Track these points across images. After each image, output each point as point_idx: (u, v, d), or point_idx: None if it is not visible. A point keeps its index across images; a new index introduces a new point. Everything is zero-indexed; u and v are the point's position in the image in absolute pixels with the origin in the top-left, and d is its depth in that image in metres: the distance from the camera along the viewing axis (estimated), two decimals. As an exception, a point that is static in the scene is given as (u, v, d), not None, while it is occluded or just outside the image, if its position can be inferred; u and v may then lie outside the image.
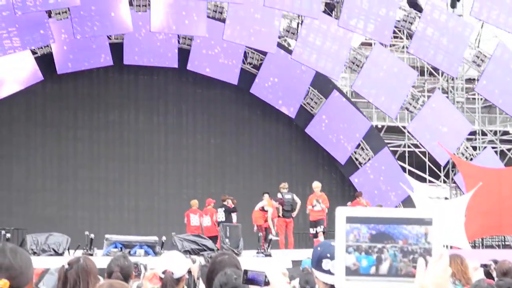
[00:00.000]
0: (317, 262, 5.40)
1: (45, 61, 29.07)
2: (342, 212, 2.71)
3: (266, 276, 4.16)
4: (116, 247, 19.81)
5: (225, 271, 5.34)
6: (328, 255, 5.36)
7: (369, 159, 31.51)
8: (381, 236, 2.66)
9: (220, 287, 5.21)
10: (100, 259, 14.07)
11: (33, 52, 28.50)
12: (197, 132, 31.85)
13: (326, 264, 5.33)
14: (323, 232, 23.75)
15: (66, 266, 5.87)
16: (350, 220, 2.70)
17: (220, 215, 24.43)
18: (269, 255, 20.89)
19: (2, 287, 3.52)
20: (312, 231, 24.29)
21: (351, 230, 2.69)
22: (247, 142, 32.18)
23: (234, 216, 24.55)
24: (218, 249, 20.41)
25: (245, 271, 4.17)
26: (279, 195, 24.64)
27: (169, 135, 31.58)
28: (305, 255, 17.56)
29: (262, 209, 24.31)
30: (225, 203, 24.81)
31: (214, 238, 22.81)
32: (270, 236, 22.66)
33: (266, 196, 24.58)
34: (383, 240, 2.66)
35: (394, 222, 2.67)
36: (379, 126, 33.66)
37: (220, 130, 31.86)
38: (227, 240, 21.13)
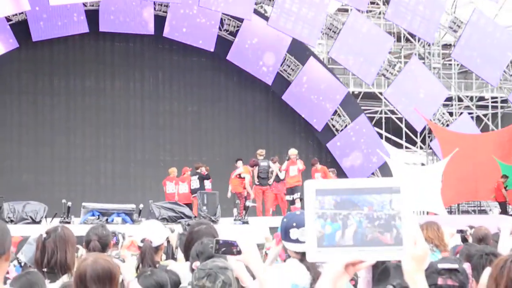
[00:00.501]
0: (285, 233, 5.47)
1: (20, 28, 28.85)
2: (311, 185, 2.72)
3: (237, 245, 4.20)
4: (93, 215, 19.82)
5: (202, 240, 5.40)
6: (294, 224, 5.43)
7: (346, 125, 31.63)
8: (346, 203, 2.67)
9: (196, 256, 5.27)
10: (78, 227, 14.11)
11: (8, 19, 28.28)
12: (174, 99, 31.81)
13: (293, 233, 5.40)
14: (300, 199, 23.87)
15: (44, 235, 5.92)
16: (320, 192, 2.71)
17: (194, 183, 24.51)
18: (247, 222, 21.00)
19: None
20: (288, 198, 24.43)
21: (317, 200, 2.69)
22: (224, 109, 32.19)
23: (208, 183, 24.63)
24: (195, 217, 20.48)
25: (217, 241, 4.21)
26: (253, 159, 24.69)
27: (145, 102, 31.53)
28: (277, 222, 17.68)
29: (239, 176, 24.36)
30: (198, 170, 24.89)
31: (189, 206, 22.88)
32: (247, 203, 22.76)
33: (240, 162, 24.61)
34: (348, 207, 2.67)
35: (363, 192, 2.69)
36: (356, 93, 33.77)
37: (197, 97, 31.83)
38: (204, 207, 21.19)
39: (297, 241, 5.39)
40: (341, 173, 31.70)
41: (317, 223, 2.67)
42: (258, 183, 24.45)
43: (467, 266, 3.54)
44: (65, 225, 6.25)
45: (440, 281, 3.45)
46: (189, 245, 6.15)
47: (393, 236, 2.64)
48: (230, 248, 4.20)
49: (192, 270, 5.23)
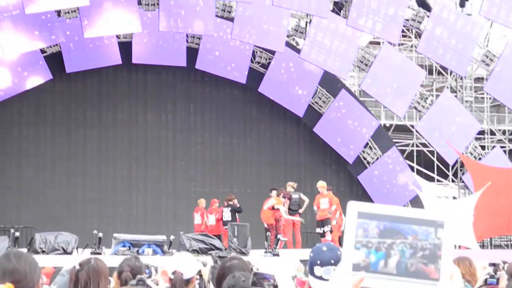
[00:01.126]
0: (310, 268, 5.48)
1: (54, 60, 29.20)
2: (353, 207, 2.72)
3: (274, 280, 4.21)
4: (124, 246, 19.89)
5: (234, 274, 5.42)
6: (318, 262, 5.42)
7: (377, 158, 31.55)
8: (390, 231, 2.68)
9: None
10: (109, 258, 14.15)
11: (42, 51, 28.63)
12: (205, 131, 31.95)
13: (317, 270, 5.40)
14: (330, 231, 23.81)
15: (77, 267, 5.96)
16: (361, 215, 2.72)
17: (226, 214, 24.59)
18: (277, 255, 20.96)
19: None
20: (319, 230, 24.35)
21: (360, 225, 2.70)
22: (255, 141, 32.26)
23: (237, 215, 24.77)
24: (226, 249, 20.49)
25: (254, 273, 4.22)
26: (287, 190, 24.70)
27: (177, 134, 31.69)
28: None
29: (272, 208, 24.37)
30: (231, 202, 24.97)
31: (217, 237, 22.93)
32: (278, 236, 22.74)
33: (274, 192, 24.64)
34: (392, 236, 2.68)
35: (406, 221, 2.69)
36: (387, 125, 33.70)
37: (229, 129, 31.96)
38: (235, 239, 21.21)
39: (320, 278, 5.41)
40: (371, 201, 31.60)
41: (361, 252, 2.68)
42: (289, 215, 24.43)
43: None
44: (98, 257, 6.28)
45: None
46: (220, 280, 6.15)
47: (437, 268, 2.64)
48: (266, 281, 4.20)
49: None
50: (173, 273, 7.11)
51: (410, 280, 2.65)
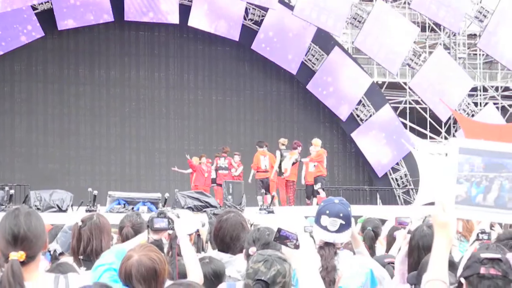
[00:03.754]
0: (317, 216, 5.48)
1: (46, 16, 28.96)
2: (455, 143, 2.78)
3: (297, 239, 4.21)
4: (119, 203, 19.87)
5: (258, 227, 5.43)
6: (327, 211, 5.42)
7: (370, 115, 31.55)
8: (495, 165, 2.72)
9: (253, 242, 5.30)
10: (104, 216, 14.20)
11: (34, 8, 28.40)
12: (198, 89, 31.88)
13: (324, 220, 5.40)
14: (323, 189, 23.78)
15: (80, 223, 5.97)
16: (464, 151, 2.76)
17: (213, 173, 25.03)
18: (272, 212, 21.01)
19: (19, 259, 3.63)
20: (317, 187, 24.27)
21: (466, 161, 2.75)
22: (248, 98, 32.23)
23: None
24: (220, 206, 20.52)
25: (278, 229, 4.24)
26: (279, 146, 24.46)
27: (170, 91, 31.62)
28: (305, 212, 17.69)
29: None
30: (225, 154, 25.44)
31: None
32: (273, 193, 22.75)
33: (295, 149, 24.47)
34: (496, 170, 2.72)
35: (508, 156, 2.73)
36: (380, 82, 33.64)
37: (222, 86, 31.90)
38: (229, 197, 21.24)
39: (325, 228, 5.40)
40: (365, 162, 31.72)
41: (464, 186, 2.74)
42: (281, 173, 24.27)
43: (510, 256, 3.54)
44: (101, 214, 6.29)
45: (482, 270, 3.46)
46: (218, 233, 6.21)
47: None
48: (289, 240, 4.23)
49: (248, 255, 5.25)
50: (171, 228, 7.11)
51: (509, 212, 2.73)
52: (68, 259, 6.01)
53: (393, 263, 7.03)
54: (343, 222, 5.41)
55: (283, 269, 4.13)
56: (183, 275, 5.37)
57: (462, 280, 3.50)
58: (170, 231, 5.72)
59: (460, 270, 3.55)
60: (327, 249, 5.37)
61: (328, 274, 5.27)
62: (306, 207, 22.40)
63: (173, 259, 5.45)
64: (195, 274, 5.32)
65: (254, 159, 24.30)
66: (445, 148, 32.78)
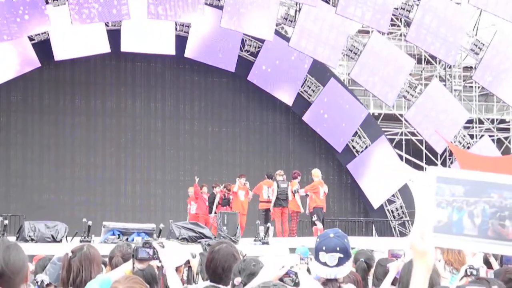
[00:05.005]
0: (315, 253, 5.50)
1: (43, 47, 29.05)
2: (433, 172, 2.80)
3: (297, 276, 4.25)
4: (113, 234, 19.89)
5: (244, 258, 5.42)
6: (324, 247, 5.44)
7: (366, 147, 31.60)
8: (476, 192, 2.74)
9: (238, 272, 5.30)
10: (98, 246, 14.18)
11: (30, 39, 28.48)
12: (194, 119, 31.93)
13: (322, 256, 5.43)
14: (320, 221, 23.79)
15: (70, 254, 5.97)
16: (441, 180, 2.79)
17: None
18: (267, 243, 20.99)
19: None
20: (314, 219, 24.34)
21: (445, 187, 2.77)
22: (244, 129, 32.29)
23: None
24: (215, 237, 20.49)
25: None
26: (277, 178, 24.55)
27: (166, 122, 31.67)
28: (301, 243, 17.67)
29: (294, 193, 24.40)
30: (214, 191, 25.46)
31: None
32: (268, 224, 22.75)
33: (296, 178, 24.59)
34: (478, 195, 2.75)
35: (492, 186, 2.75)
36: (376, 114, 33.72)
37: (218, 117, 31.97)
38: (224, 227, 21.22)
39: (325, 264, 5.43)
40: (360, 193, 31.70)
41: (445, 211, 2.76)
42: (278, 205, 24.39)
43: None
44: (91, 245, 6.29)
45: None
46: (210, 264, 6.15)
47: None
48: (288, 276, 4.28)
49: (233, 285, 5.26)
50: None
51: (489, 241, 2.74)
52: (57, 291, 6.01)
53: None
54: (342, 255, 5.43)
55: None
56: None
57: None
58: (158, 262, 5.72)
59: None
60: (330, 285, 5.41)
61: None
62: (302, 238, 22.36)
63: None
64: None
65: (257, 188, 24.55)
66: (422, 176, 32.81)
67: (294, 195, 24.19)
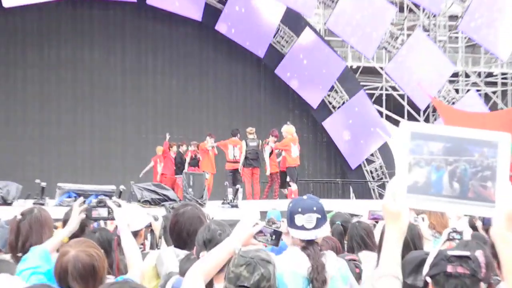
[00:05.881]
0: (290, 219, 5.50)
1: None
2: (406, 127, 2.76)
3: (275, 234, 4.30)
4: (69, 196, 19.70)
5: (209, 226, 5.33)
6: (300, 209, 5.48)
7: (343, 102, 31.60)
8: (456, 150, 2.71)
9: (203, 243, 5.22)
10: (53, 209, 14.07)
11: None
12: (158, 73, 31.74)
13: (298, 219, 5.43)
14: (294, 181, 23.86)
15: (19, 217, 5.90)
16: (416, 136, 2.75)
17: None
18: (236, 206, 20.96)
19: None
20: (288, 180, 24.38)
21: (423, 144, 2.74)
22: (212, 84, 32.16)
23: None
24: (180, 200, 20.45)
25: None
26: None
27: (127, 75, 31.46)
28: (272, 206, 17.71)
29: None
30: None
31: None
32: (237, 186, 22.73)
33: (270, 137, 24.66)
34: (458, 153, 2.72)
35: (473, 142, 2.73)
36: (355, 67, 33.70)
37: (183, 70, 31.78)
38: (190, 189, 21.13)
39: (302, 227, 5.43)
40: (337, 153, 31.77)
41: (423, 170, 2.73)
42: (248, 165, 24.40)
43: (479, 254, 3.55)
44: (42, 207, 6.22)
45: (449, 268, 3.46)
46: (174, 227, 6.14)
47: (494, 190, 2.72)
48: (263, 234, 4.37)
49: (199, 258, 5.17)
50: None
51: (469, 203, 2.73)
52: (5, 256, 5.94)
53: (355, 260, 7.06)
54: (319, 216, 5.49)
55: (267, 272, 4.04)
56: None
57: (428, 279, 3.50)
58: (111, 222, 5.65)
59: (426, 269, 3.55)
60: (312, 248, 5.47)
61: (319, 274, 5.37)
62: (273, 201, 22.40)
63: (113, 252, 5.40)
64: (135, 269, 5.28)
65: (222, 145, 24.63)
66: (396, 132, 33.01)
67: (270, 156, 24.27)
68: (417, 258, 3.96)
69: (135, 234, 7.03)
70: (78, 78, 30.94)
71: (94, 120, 30.99)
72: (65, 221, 6.84)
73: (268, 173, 24.40)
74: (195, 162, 25.24)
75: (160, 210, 17.50)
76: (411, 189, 2.81)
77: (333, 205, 16.25)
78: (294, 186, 23.70)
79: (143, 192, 20.20)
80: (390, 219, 3.07)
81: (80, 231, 6.04)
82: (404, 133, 2.79)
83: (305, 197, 5.64)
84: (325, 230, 5.57)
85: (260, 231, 4.43)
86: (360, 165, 31.83)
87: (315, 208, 5.48)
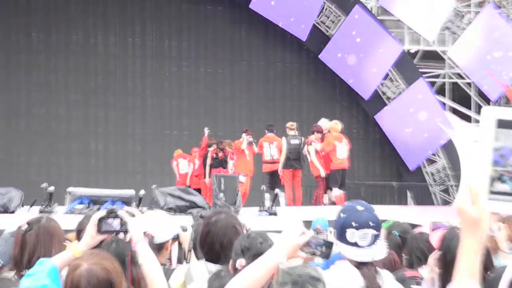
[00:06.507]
0: (340, 232, 5.43)
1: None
2: (490, 112, 2.69)
3: (324, 245, 4.28)
4: (82, 202, 19.78)
5: (248, 233, 5.37)
6: (353, 223, 5.42)
7: (400, 92, 31.49)
8: None
9: (241, 252, 5.22)
10: (62, 218, 14.11)
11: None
12: (183, 59, 31.79)
13: (351, 235, 5.37)
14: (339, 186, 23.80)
15: (25, 227, 5.87)
16: (503, 124, 2.68)
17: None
18: (274, 214, 20.93)
19: None
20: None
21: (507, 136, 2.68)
22: (246, 71, 32.17)
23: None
24: (209, 206, 20.44)
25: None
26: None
27: (147, 62, 31.55)
28: (317, 213, 17.65)
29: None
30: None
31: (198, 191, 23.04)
32: (276, 190, 22.62)
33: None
34: None
35: None
36: (413, 52, 33.57)
37: (212, 56, 31.83)
38: (221, 194, 21.11)
39: (355, 244, 5.37)
40: (392, 151, 31.65)
41: (506, 185, 2.68)
42: (288, 166, 24.33)
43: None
44: (51, 216, 6.19)
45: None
46: (205, 239, 6.14)
47: None
48: (309, 247, 4.36)
49: (235, 269, 5.17)
50: (143, 233, 7.01)
51: None
52: (9, 274, 5.91)
53: (417, 277, 7.00)
54: (375, 232, 5.42)
55: None
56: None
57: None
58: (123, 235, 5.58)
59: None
60: (366, 268, 5.44)
61: None
62: (319, 208, 22.36)
63: (126, 270, 5.36)
64: None
65: (258, 147, 24.65)
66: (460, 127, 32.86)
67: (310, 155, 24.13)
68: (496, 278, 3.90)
69: (160, 247, 7.07)
70: (91, 65, 31.09)
71: (109, 115, 31.09)
72: (79, 232, 6.82)
73: (323, 175, 24.13)
74: (217, 163, 25.21)
75: (187, 219, 17.54)
76: (493, 190, 2.74)
77: (388, 213, 16.18)
78: (336, 191, 23.58)
79: (167, 198, 20.21)
80: (469, 226, 2.98)
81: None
82: (488, 121, 2.70)
83: (359, 207, 5.53)
84: (383, 251, 5.50)
85: (307, 242, 4.40)
86: (419, 166, 31.70)
87: (371, 223, 5.42)
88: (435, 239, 6.47)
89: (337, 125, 24.19)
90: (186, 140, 27.67)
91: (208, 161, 25.37)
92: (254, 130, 26.00)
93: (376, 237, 5.45)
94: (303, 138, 24.50)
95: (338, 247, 5.47)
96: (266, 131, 25.01)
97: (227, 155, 25.42)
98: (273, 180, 24.40)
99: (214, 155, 25.35)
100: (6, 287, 5.22)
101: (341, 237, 5.45)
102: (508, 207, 2.75)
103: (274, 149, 24.41)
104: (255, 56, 32.29)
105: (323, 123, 24.46)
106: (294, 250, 4.39)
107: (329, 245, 4.46)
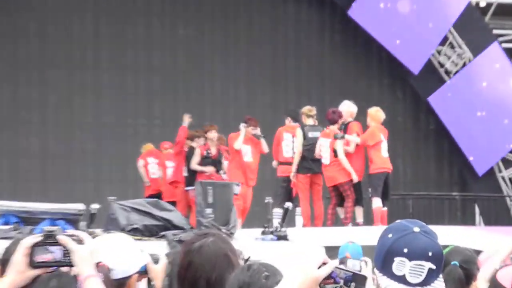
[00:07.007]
0: (384, 260, 5.29)
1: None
2: None
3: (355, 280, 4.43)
4: (7, 222, 19.87)
5: (249, 264, 5.36)
6: (406, 250, 5.26)
7: (465, 64, 31.51)
8: None
9: None
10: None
11: None
12: (153, 15, 32.02)
13: (399, 265, 5.24)
14: (381, 196, 23.80)
15: None
16: None
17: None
18: (285, 238, 20.91)
19: None
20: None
21: None
22: (244, 34, 32.36)
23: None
24: (192, 227, 20.44)
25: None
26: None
27: (101, 21, 31.82)
28: (346, 237, 17.65)
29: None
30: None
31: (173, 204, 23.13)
32: (288, 204, 22.54)
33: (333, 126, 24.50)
34: None
35: None
36: (483, 6, 33.62)
37: (196, 12, 32.09)
38: (208, 210, 21.05)
39: (403, 280, 5.23)
40: (453, 148, 31.68)
41: None
42: (304, 169, 24.28)
43: None
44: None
45: None
46: (184, 273, 6.14)
47: None
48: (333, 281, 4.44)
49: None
50: (96, 265, 6.94)
51: None
52: None
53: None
54: (433, 266, 5.28)
55: None
56: None
57: None
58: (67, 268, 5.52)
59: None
60: None
61: None
62: (345, 228, 22.41)
63: None
64: None
65: (274, 141, 24.49)
66: None
67: (336, 153, 24.01)
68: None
69: (121, 284, 7.15)
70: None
71: (46, 97, 31.22)
72: (2, 264, 6.76)
73: (356, 179, 24.01)
74: (209, 163, 25.18)
75: (159, 245, 17.52)
76: None
77: (448, 235, 16.27)
78: (377, 202, 23.52)
79: (130, 214, 20.17)
80: None
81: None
82: None
83: (416, 228, 5.37)
84: None
85: (330, 276, 4.44)
86: (492, 169, 31.71)
87: (430, 254, 5.27)
88: (507, 278, 6.41)
89: (379, 112, 24.12)
90: (158, 132, 27.70)
91: (195, 160, 25.19)
92: (260, 118, 25.99)
93: (432, 274, 5.27)
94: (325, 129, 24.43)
95: (378, 280, 5.36)
96: (288, 118, 24.75)
97: (222, 154, 25.32)
98: (290, 189, 24.33)
99: (205, 153, 25.18)
100: None
101: (384, 267, 5.30)
102: None
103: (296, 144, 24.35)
104: (257, 13, 32.41)
105: (347, 107, 24.29)
106: (311, 286, 4.31)
107: (361, 280, 4.54)
